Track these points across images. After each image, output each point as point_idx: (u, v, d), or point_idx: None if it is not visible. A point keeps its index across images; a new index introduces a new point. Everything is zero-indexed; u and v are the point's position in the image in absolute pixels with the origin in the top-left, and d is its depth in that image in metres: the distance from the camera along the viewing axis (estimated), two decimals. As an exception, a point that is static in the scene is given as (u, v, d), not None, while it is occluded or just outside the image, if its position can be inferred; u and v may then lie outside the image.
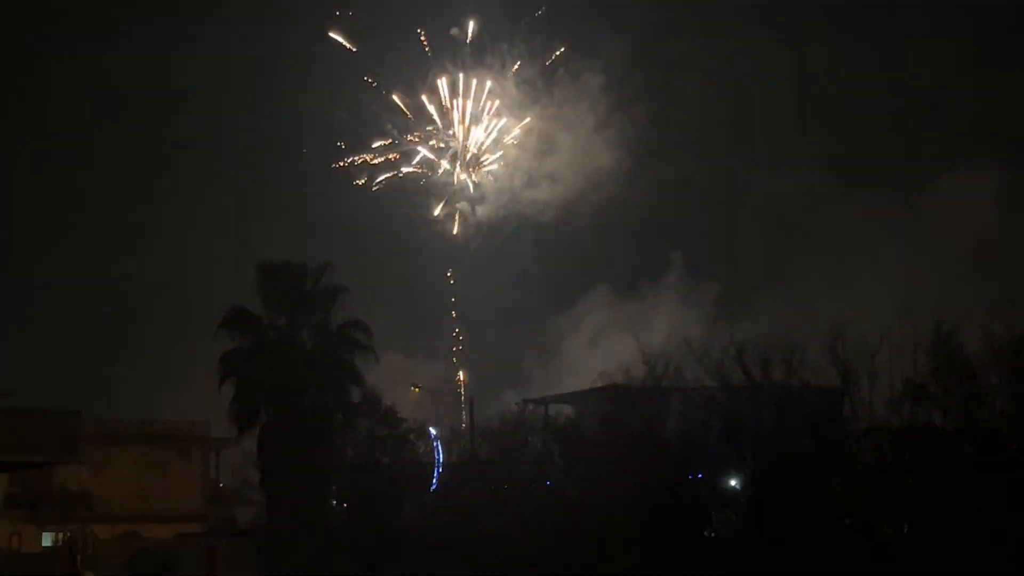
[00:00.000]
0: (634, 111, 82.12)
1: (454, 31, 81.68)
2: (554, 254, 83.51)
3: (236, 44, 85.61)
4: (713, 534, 44.81)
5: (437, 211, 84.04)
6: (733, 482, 44.50)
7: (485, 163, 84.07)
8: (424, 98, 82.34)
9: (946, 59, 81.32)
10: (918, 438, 39.15)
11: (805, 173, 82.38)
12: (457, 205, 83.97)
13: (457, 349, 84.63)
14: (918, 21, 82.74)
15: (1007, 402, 37.06)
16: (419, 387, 70.27)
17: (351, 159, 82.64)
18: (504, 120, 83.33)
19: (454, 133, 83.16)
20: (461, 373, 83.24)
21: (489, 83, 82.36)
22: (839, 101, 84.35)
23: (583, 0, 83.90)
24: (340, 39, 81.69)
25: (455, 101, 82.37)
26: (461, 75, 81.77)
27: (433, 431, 57.58)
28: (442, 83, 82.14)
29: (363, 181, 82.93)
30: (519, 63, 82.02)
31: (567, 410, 55.18)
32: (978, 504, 36.20)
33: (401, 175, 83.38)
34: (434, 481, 55.07)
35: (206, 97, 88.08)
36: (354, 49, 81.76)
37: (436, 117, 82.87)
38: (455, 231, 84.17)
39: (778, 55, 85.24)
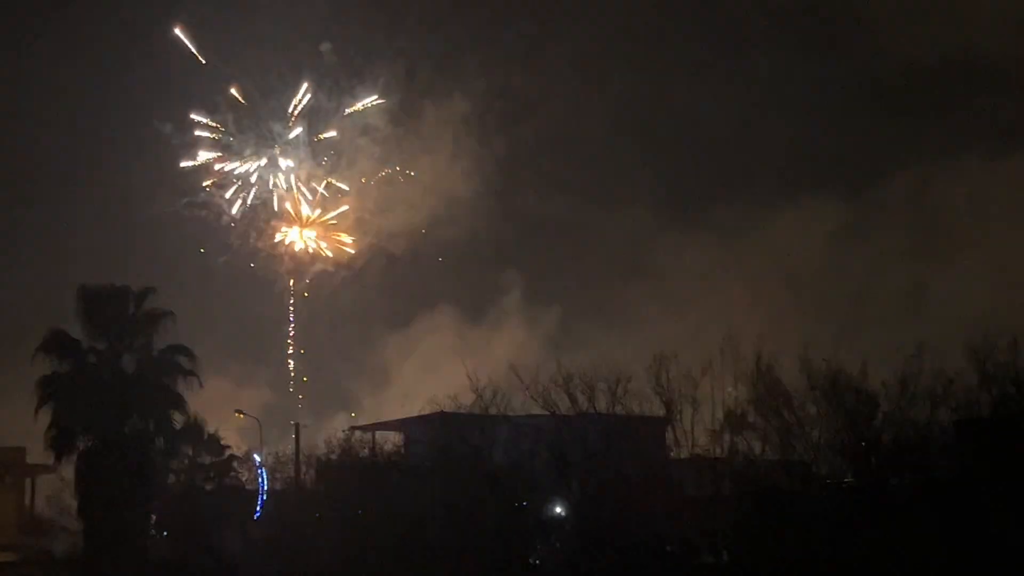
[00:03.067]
0: (493, 142, 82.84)
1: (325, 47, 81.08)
2: (401, 281, 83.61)
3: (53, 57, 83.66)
4: (537, 561, 45.14)
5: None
6: (559, 509, 44.94)
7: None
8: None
9: (789, 98, 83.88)
10: (738, 467, 40.10)
11: (643, 207, 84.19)
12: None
13: (290, 374, 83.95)
14: (763, 60, 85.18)
15: (823, 432, 38.18)
16: (243, 413, 69.33)
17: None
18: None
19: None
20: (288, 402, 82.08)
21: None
22: (681, 135, 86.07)
23: (448, 28, 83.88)
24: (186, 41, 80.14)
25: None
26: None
27: (258, 458, 56.94)
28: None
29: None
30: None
31: (395, 437, 55.07)
32: (796, 532, 37.17)
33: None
34: (258, 508, 54.46)
35: (27, 114, 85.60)
36: (203, 61, 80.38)
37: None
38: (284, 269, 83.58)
39: (629, 89, 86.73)
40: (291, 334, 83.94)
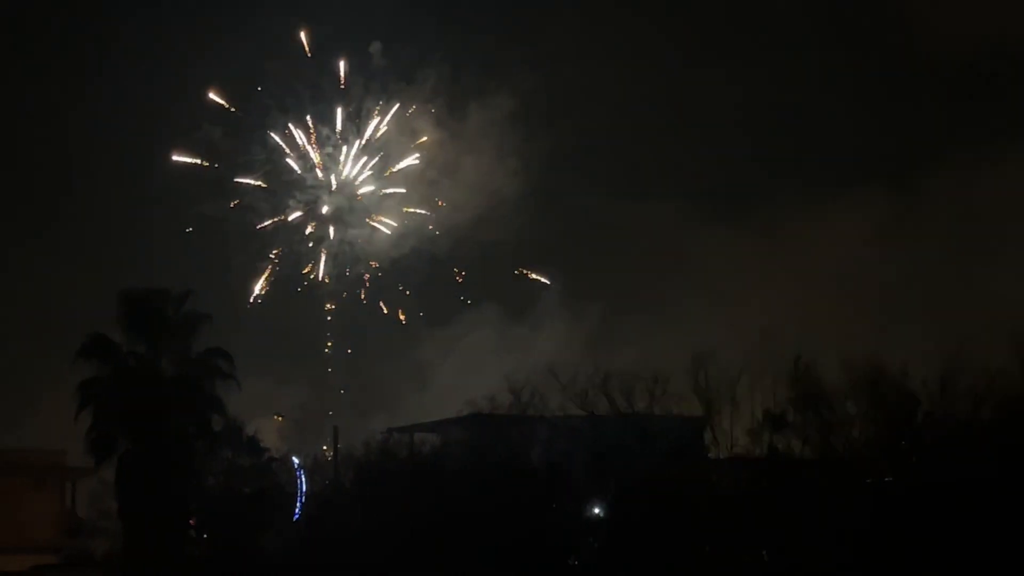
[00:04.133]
0: (538, 140, 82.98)
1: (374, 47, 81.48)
2: (442, 280, 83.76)
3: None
4: (576, 562, 45.06)
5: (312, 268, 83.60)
6: (597, 510, 44.84)
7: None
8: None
9: (830, 90, 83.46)
10: (777, 466, 39.89)
11: (685, 202, 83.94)
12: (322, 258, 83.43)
13: (329, 374, 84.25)
14: (806, 53, 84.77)
15: (863, 430, 37.93)
16: (281, 416, 69.66)
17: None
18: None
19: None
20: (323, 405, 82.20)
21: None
22: (719, 127, 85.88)
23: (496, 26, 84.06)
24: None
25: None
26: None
27: (296, 461, 57.10)
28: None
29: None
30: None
31: (433, 438, 55.11)
32: (836, 531, 36.96)
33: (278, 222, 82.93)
34: (297, 511, 54.59)
35: (68, 119, 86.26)
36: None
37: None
38: (323, 277, 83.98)
39: (673, 84, 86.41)
40: (328, 334, 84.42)
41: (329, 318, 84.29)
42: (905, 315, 71.10)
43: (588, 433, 42.59)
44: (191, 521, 53.73)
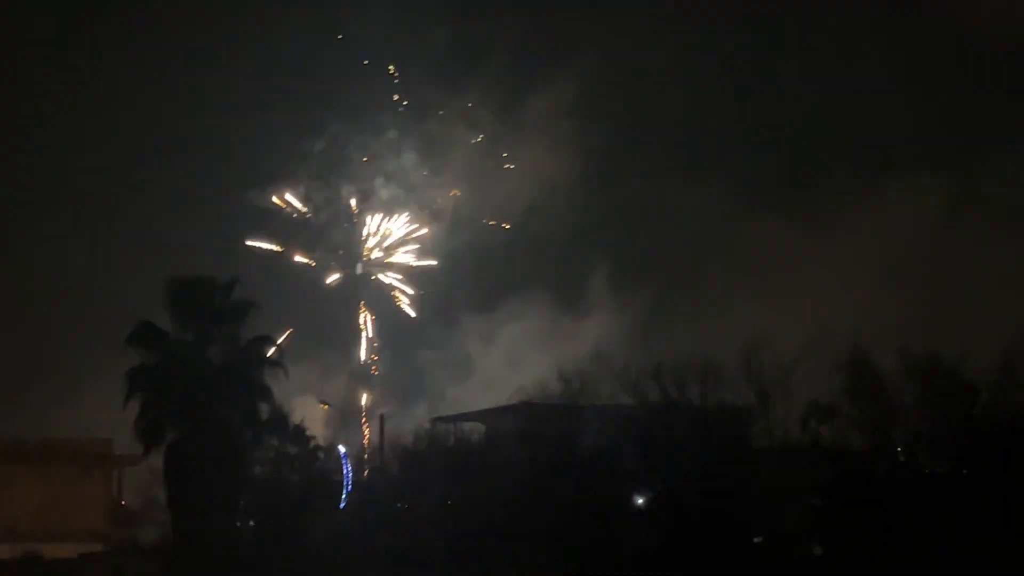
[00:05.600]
0: (592, 129, 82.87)
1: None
2: (492, 269, 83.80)
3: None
4: (624, 551, 44.67)
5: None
6: (646, 499, 44.53)
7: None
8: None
9: (886, 76, 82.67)
10: (832, 457, 39.47)
11: (739, 190, 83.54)
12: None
13: (371, 364, 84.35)
14: (856, 37, 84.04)
15: (920, 421, 37.45)
16: (328, 404, 69.74)
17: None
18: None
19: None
20: (365, 395, 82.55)
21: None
22: (770, 115, 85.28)
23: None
24: None
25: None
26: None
27: (342, 449, 57.16)
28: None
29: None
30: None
31: (479, 427, 55.00)
32: (892, 523, 36.51)
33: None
34: (343, 499, 54.60)
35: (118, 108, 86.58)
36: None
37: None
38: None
39: (727, 72, 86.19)
40: (370, 324, 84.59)
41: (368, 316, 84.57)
42: (964, 304, 70.30)
43: (639, 422, 42.25)
44: (239, 509, 53.81)
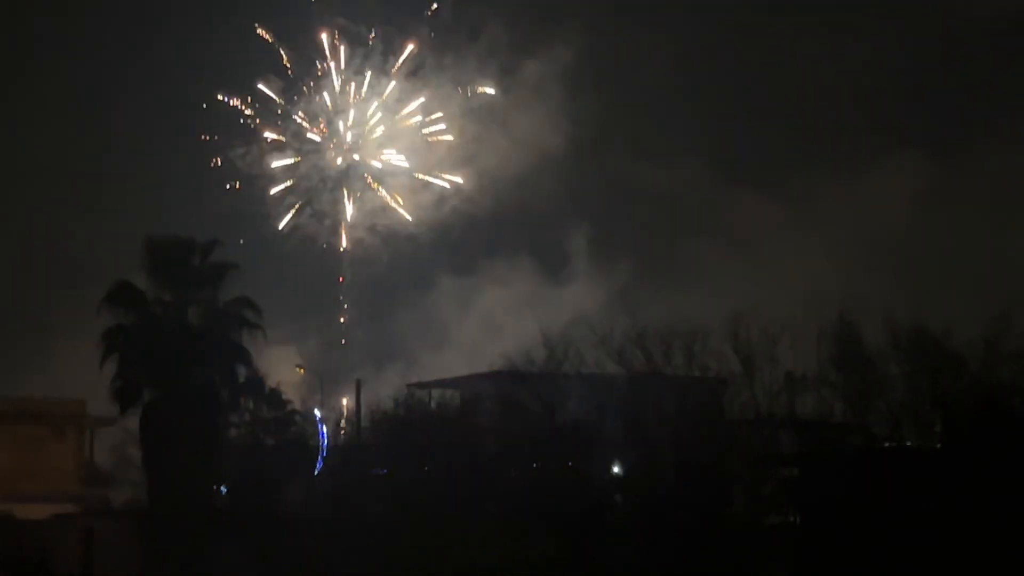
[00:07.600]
0: (582, 100, 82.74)
1: None
2: (475, 236, 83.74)
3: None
4: (605, 519, 44.63)
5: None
6: (627, 467, 44.44)
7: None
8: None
9: (869, 55, 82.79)
10: (814, 427, 39.49)
11: (726, 166, 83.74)
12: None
13: (343, 327, 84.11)
14: (842, 15, 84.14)
15: (905, 392, 37.44)
16: (303, 368, 69.29)
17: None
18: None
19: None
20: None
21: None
22: (765, 92, 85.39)
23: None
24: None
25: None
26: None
27: (318, 414, 56.84)
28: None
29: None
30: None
31: (456, 394, 54.75)
32: (872, 494, 36.53)
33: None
34: (319, 464, 54.34)
35: (90, 66, 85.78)
36: None
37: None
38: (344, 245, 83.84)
39: (715, 47, 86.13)
40: (344, 288, 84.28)
41: (342, 279, 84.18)
42: (948, 279, 70.72)
43: (621, 389, 42.11)
44: (215, 471, 53.49)
